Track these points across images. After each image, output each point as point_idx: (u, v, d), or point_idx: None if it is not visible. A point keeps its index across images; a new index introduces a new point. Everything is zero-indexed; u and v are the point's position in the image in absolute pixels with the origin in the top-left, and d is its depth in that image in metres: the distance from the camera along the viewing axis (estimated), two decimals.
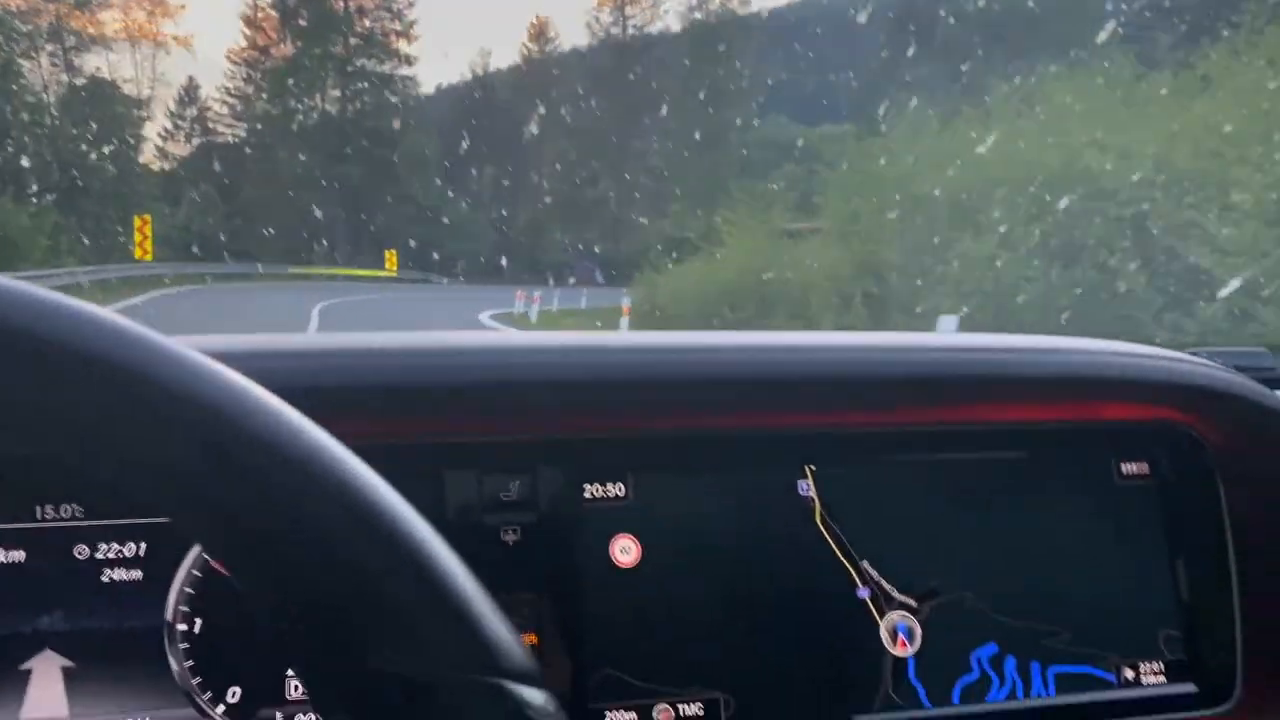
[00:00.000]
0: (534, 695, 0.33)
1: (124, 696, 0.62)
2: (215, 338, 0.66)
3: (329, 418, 0.36)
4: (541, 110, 54.35)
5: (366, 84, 51.30)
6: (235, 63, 51.59)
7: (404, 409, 0.65)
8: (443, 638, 0.33)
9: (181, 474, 0.32)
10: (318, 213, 45.54)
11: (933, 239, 10.71)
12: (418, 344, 0.67)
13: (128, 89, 47.68)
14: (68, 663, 0.61)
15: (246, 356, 0.63)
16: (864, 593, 0.71)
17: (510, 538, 0.67)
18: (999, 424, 0.76)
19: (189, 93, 53.07)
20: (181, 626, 0.62)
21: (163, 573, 0.63)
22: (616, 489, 0.70)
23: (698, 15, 51.57)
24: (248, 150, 50.08)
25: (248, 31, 51.28)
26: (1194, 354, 0.83)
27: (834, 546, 0.71)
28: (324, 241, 46.44)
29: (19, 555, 0.62)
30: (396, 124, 50.08)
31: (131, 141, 42.72)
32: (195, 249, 38.04)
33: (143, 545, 0.63)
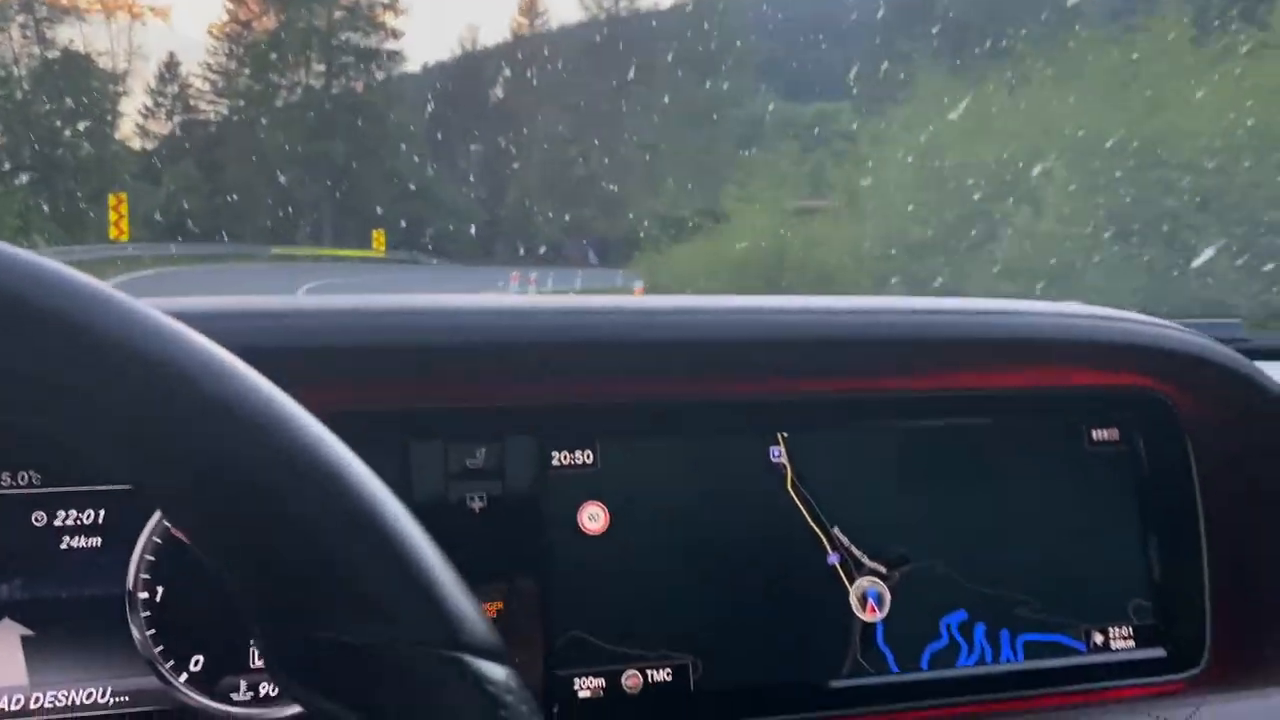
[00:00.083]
0: (495, 670, 0.33)
1: (85, 665, 0.61)
2: (178, 299, 0.65)
3: (293, 380, 0.35)
4: (534, 82, 53.90)
5: (352, 58, 50.70)
6: (217, 37, 50.93)
7: (369, 372, 0.64)
8: (402, 609, 0.32)
9: (139, 436, 0.31)
10: (302, 191, 45.12)
11: (971, 214, 9.68)
12: (383, 306, 0.66)
13: (103, 62, 46.11)
14: (27, 631, 0.61)
15: (208, 317, 0.62)
16: (834, 559, 0.71)
17: (477, 505, 0.67)
18: (971, 390, 0.75)
19: (169, 69, 52.34)
20: (143, 595, 0.62)
21: (123, 540, 0.62)
22: (585, 456, 0.69)
23: None
24: (230, 128, 49.47)
25: (229, 5, 50.62)
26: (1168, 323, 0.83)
27: (805, 513, 0.71)
28: (310, 221, 46.07)
29: None
30: (383, 100, 49.58)
31: (109, 118, 41.76)
32: (176, 230, 37.56)
33: (102, 512, 0.62)
